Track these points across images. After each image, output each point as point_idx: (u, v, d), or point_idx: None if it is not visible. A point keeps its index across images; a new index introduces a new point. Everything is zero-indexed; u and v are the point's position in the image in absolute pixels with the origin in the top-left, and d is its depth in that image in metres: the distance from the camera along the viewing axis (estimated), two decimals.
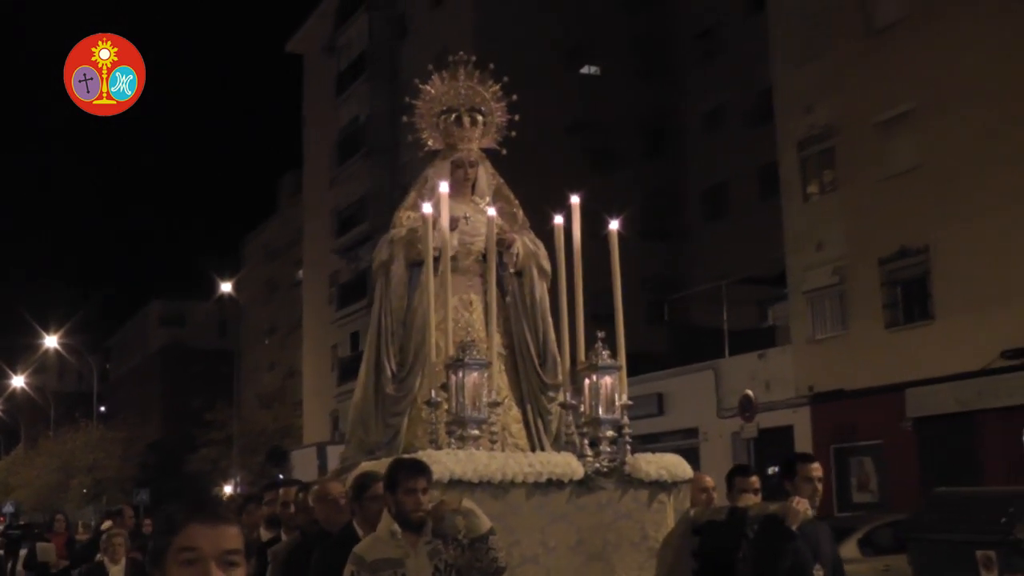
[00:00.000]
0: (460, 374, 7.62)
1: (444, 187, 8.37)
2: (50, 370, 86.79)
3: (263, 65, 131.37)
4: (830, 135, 28.48)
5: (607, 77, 42.09)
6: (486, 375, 7.75)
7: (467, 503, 6.02)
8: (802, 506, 6.67)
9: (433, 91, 9.28)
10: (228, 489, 55.08)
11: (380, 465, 7.20)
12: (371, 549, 5.78)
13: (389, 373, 8.65)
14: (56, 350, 63.27)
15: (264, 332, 71.58)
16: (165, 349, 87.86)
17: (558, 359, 8.84)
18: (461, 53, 9.35)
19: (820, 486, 7.02)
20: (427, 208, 8.19)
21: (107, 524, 15.82)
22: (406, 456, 6.71)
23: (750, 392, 27.65)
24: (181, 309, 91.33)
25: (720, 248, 36.53)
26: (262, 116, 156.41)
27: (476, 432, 7.60)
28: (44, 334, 60.17)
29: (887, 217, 26.07)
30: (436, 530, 5.83)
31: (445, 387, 7.73)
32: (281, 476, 47.26)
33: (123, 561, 11.04)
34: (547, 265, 9.09)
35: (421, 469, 5.97)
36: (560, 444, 8.53)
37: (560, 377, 8.81)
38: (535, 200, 9.94)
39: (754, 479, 7.77)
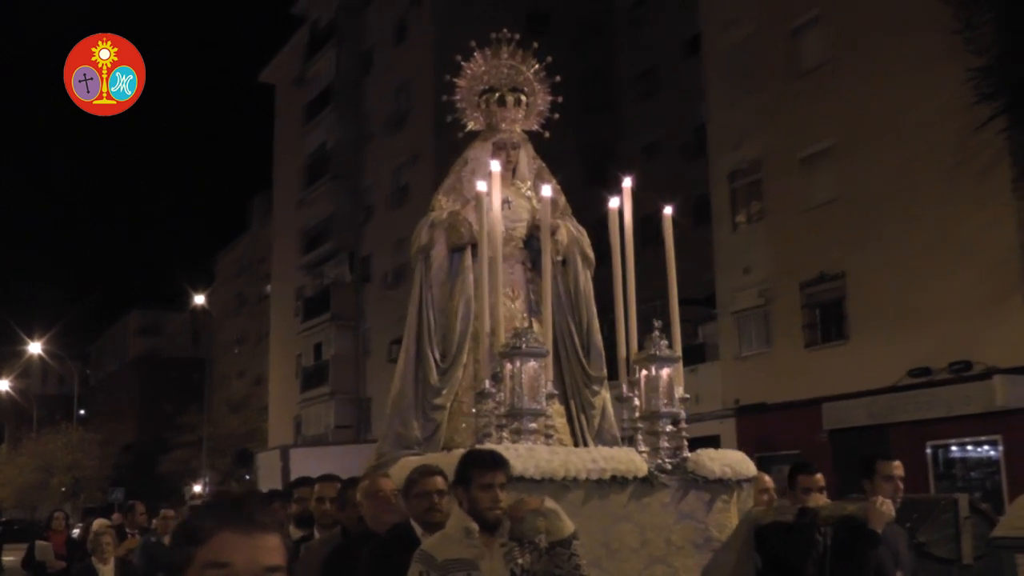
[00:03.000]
0: (517, 363, 6.53)
1: (495, 165, 7.32)
2: (34, 374, 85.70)
3: (237, 93, 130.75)
4: (758, 169, 28.67)
5: (555, 111, 42.06)
6: (543, 364, 6.67)
7: (549, 503, 5.12)
8: (886, 507, 5.90)
9: (475, 69, 8.35)
10: (197, 488, 54.61)
11: (433, 458, 6.38)
12: (441, 548, 4.87)
13: (432, 363, 7.60)
14: (40, 356, 62.51)
15: (234, 342, 71.12)
16: (142, 356, 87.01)
17: (602, 351, 7.95)
18: (504, 30, 8.34)
19: (901, 485, 6.20)
20: (481, 185, 7.16)
21: (116, 518, 15.09)
22: (481, 448, 5.81)
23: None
24: (157, 319, 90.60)
25: (655, 271, 36.62)
26: (236, 141, 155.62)
27: (533, 425, 6.53)
28: (28, 340, 59.48)
29: (808, 245, 26.26)
30: (514, 531, 4.95)
31: (496, 378, 6.66)
32: (248, 476, 46.96)
33: (112, 561, 10.08)
34: (591, 253, 8.20)
35: (499, 462, 5.07)
36: (602, 440, 7.52)
37: (604, 370, 7.92)
38: None
39: (819, 477, 6.92)
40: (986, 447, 22.87)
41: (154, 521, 13.93)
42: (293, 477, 21.83)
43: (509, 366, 6.57)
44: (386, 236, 45.06)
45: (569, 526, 5.01)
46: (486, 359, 6.90)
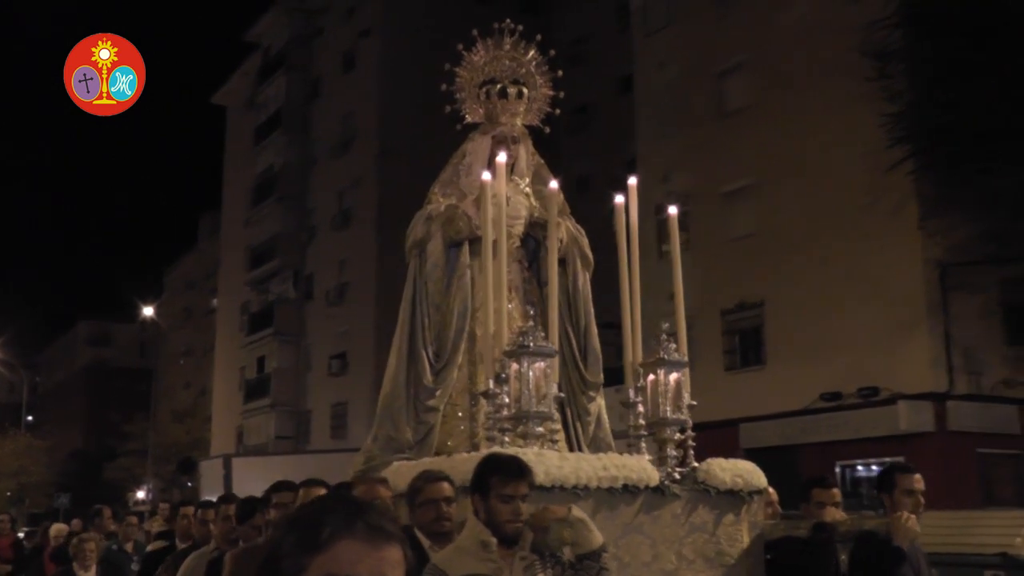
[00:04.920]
0: (524, 363, 5.85)
1: (502, 156, 6.70)
2: None
3: (190, 113, 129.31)
4: (684, 202, 28.88)
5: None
6: (549, 365, 5.99)
7: (577, 512, 4.47)
8: (911, 523, 5.44)
9: (477, 60, 7.59)
10: (140, 495, 53.87)
11: (431, 462, 5.91)
12: (455, 562, 4.22)
13: (426, 362, 6.85)
14: None
15: (181, 354, 70.31)
16: (90, 366, 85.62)
17: (599, 356, 7.34)
18: (508, 21, 7.62)
19: (923, 500, 5.68)
20: (486, 175, 6.47)
21: (76, 523, 14.11)
22: (503, 452, 5.13)
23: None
24: (107, 330, 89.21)
25: (600, 291, 36.79)
26: (187, 159, 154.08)
27: (540, 429, 5.88)
28: None
29: (729, 275, 26.49)
30: (536, 543, 4.32)
31: (498, 379, 5.96)
32: (190, 484, 46.38)
33: (94, 568, 9.18)
34: (590, 253, 7.58)
35: (522, 472, 4.36)
36: (596, 449, 6.77)
37: (601, 376, 7.31)
38: None
39: (835, 491, 6.44)
40: None
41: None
42: (235, 485, 21.57)
43: (515, 366, 5.92)
44: (329, 256, 44.96)
45: (598, 537, 4.42)
46: (488, 360, 6.25)
